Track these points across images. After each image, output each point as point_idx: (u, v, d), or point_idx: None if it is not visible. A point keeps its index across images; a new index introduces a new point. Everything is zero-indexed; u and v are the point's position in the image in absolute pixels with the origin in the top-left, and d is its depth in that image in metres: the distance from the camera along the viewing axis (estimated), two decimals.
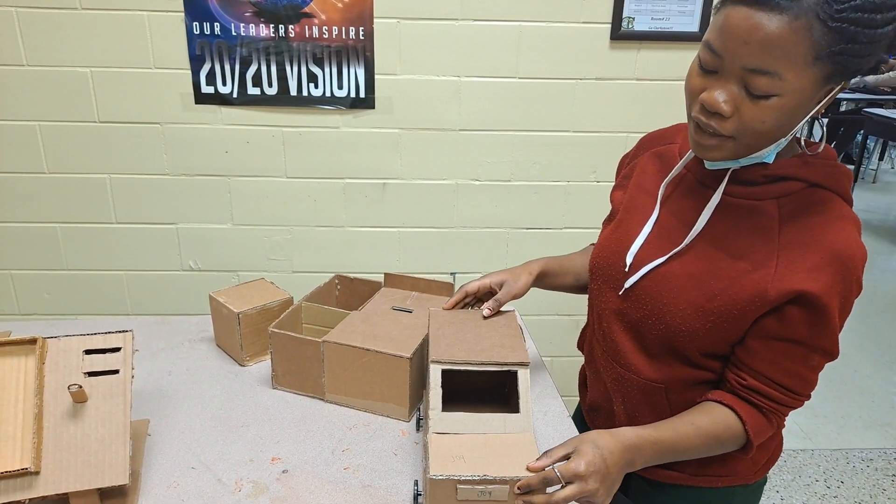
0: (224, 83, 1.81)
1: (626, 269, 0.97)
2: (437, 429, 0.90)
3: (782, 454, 2.51)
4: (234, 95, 1.82)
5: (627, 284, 0.97)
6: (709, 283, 0.89)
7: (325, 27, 1.77)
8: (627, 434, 0.87)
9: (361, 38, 1.78)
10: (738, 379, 0.91)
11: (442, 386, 0.93)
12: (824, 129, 0.91)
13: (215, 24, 1.75)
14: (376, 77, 1.83)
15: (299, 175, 1.93)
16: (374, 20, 1.77)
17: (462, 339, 1.00)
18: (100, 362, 0.91)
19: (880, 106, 5.67)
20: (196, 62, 1.79)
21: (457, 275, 2.04)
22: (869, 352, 3.35)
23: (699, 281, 0.90)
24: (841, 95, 5.55)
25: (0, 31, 1.73)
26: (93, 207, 1.93)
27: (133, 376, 0.92)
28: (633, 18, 1.80)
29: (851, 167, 5.84)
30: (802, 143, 0.91)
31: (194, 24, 1.75)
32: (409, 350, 1.09)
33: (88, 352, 0.91)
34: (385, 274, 1.36)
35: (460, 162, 1.93)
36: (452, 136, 1.90)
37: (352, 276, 1.39)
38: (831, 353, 0.89)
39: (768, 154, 0.84)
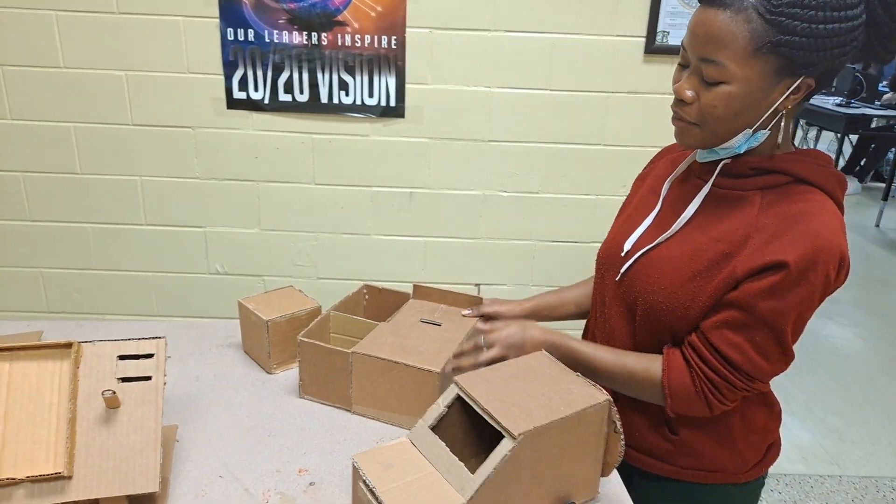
0: (256, 89, 1.82)
1: (623, 255, 1.05)
2: (411, 436, 0.90)
3: (809, 479, 2.47)
4: (266, 101, 1.83)
5: (623, 269, 1.05)
6: (689, 265, 0.95)
7: (357, 35, 1.77)
8: (554, 334, 1.05)
9: (394, 46, 1.79)
10: (688, 336, 0.97)
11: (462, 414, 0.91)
12: (802, 128, 1.03)
13: (249, 30, 1.76)
14: (407, 86, 1.83)
15: (327, 182, 1.93)
16: (407, 29, 1.77)
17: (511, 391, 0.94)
18: (133, 368, 0.91)
19: None
20: (229, 68, 1.80)
21: (481, 286, 2.03)
22: None
23: (681, 263, 0.96)
24: (872, 112, 5.46)
25: (39, 34, 1.76)
26: (123, 209, 1.94)
27: (165, 383, 0.92)
28: (668, 33, 1.78)
29: (882, 185, 5.73)
30: (793, 145, 0.97)
31: (229, 29, 1.76)
32: (439, 364, 1.08)
33: (122, 357, 0.91)
34: (414, 285, 1.35)
35: (488, 172, 1.92)
36: (481, 146, 1.90)
37: (380, 286, 1.38)
38: (779, 335, 0.89)
39: (738, 145, 0.91)
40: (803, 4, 0.79)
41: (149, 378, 0.91)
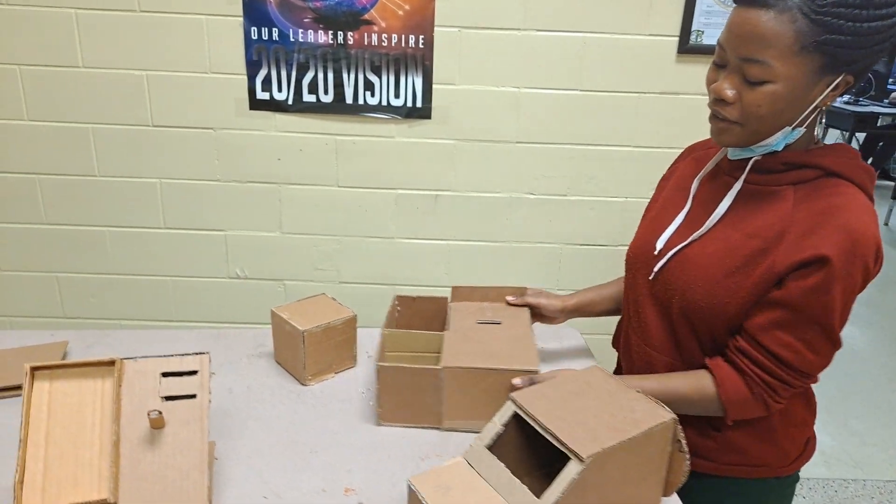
0: (280, 89, 1.78)
1: (656, 254, 1.05)
2: (467, 456, 0.86)
3: (832, 484, 2.43)
4: (290, 102, 1.79)
5: (656, 268, 1.05)
6: (725, 262, 0.96)
7: (384, 35, 1.73)
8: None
9: (421, 46, 1.74)
10: (733, 341, 0.97)
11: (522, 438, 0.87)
12: (825, 128, 0.99)
13: (273, 29, 1.72)
14: (434, 86, 1.78)
15: (351, 185, 1.89)
16: (435, 28, 1.73)
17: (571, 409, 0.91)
18: (176, 386, 0.87)
19: None
20: (252, 67, 1.76)
21: None
22: None
23: (717, 259, 0.97)
24: (881, 110, 5.40)
25: (59, 33, 1.71)
26: (142, 212, 1.90)
27: (210, 401, 0.88)
28: (703, 32, 1.74)
29: (891, 183, 5.69)
30: (822, 141, 0.98)
31: (252, 28, 1.72)
32: (533, 362, 1.06)
33: (165, 374, 0.87)
34: (453, 288, 1.31)
35: (516, 175, 1.88)
36: (509, 147, 1.85)
37: (413, 295, 1.34)
38: (828, 331, 0.90)
39: (777, 142, 0.92)
40: (848, 4, 0.81)
41: (193, 396, 0.87)
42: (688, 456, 0.89)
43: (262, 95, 1.78)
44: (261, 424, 1.11)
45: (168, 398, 0.86)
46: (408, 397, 1.10)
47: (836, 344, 0.93)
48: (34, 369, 0.83)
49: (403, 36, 1.73)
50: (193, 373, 0.89)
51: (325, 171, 1.87)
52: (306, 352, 1.21)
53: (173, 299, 2.00)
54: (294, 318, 1.24)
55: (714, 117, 0.94)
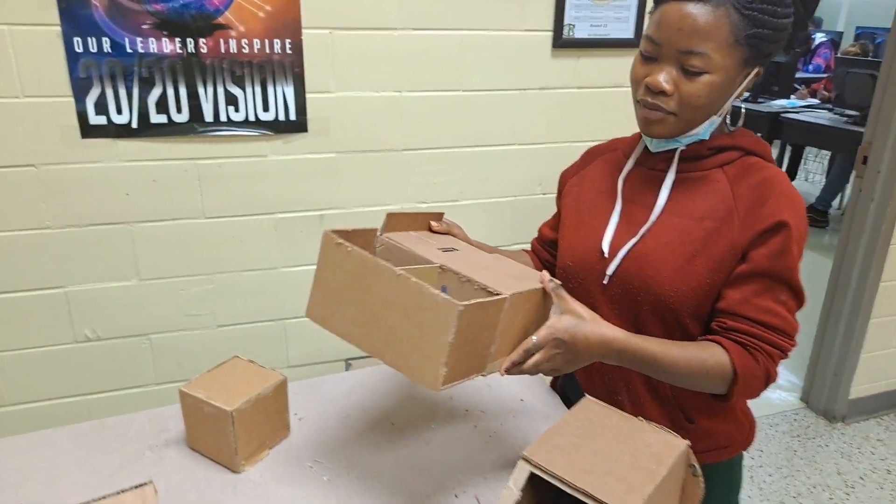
0: (119, 111, 1.47)
1: (605, 257, 1.04)
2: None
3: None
4: (134, 126, 1.49)
5: (609, 271, 1.03)
6: (684, 247, 0.98)
7: (244, 40, 1.50)
8: (614, 332, 0.90)
9: (289, 51, 1.54)
10: (719, 324, 0.97)
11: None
12: (743, 111, 1.03)
13: (104, 38, 1.41)
14: (308, 96, 1.59)
15: (221, 214, 1.63)
16: (303, 31, 1.54)
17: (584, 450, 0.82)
18: None
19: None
20: (80, 87, 1.43)
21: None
22: None
23: (675, 247, 0.98)
24: (793, 106, 4.90)
25: None
26: None
27: None
28: (574, 26, 1.74)
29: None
30: (728, 123, 1.04)
31: (75, 39, 1.39)
32: (547, 276, 0.94)
33: None
34: (388, 214, 1.07)
35: (405, 184, 1.76)
36: (395, 156, 1.73)
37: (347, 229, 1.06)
38: (795, 288, 0.96)
39: (703, 131, 0.98)
40: (769, 1, 0.89)
41: None
42: (702, 480, 0.86)
43: (96, 120, 1.46)
44: None
45: None
46: (472, 338, 0.85)
47: (802, 300, 0.98)
48: None
49: (267, 41, 1.51)
50: None
51: (186, 203, 1.60)
52: (237, 434, 1.00)
53: (11, 378, 1.60)
54: (212, 395, 1.01)
55: (647, 107, 0.96)
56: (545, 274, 0.97)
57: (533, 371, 0.89)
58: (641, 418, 0.90)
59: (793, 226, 0.93)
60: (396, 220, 1.08)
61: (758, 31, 0.90)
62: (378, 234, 1.05)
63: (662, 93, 0.93)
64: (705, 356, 0.94)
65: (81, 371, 1.65)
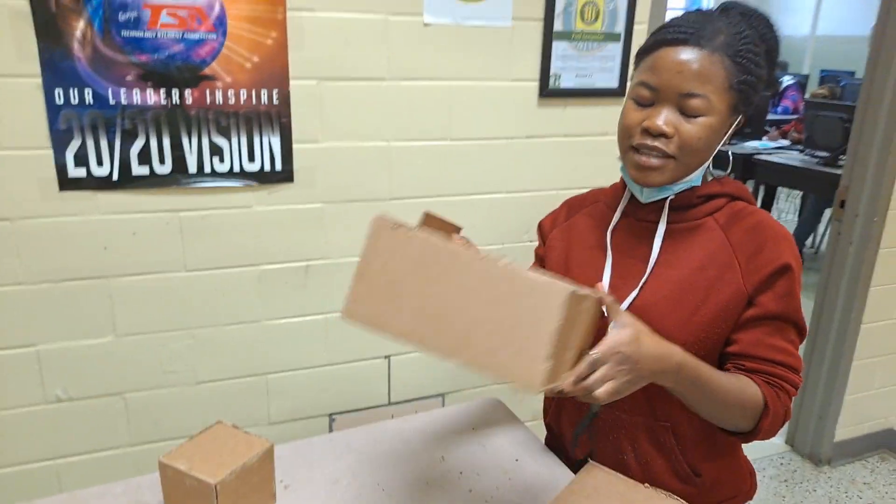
0: (100, 163, 1.43)
1: (605, 315, 0.94)
2: None
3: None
4: (115, 178, 1.45)
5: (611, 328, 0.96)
6: (687, 299, 0.96)
7: (231, 91, 1.48)
8: (673, 346, 0.87)
9: (276, 102, 1.52)
10: (737, 366, 0.97)
11: None
12: (731, 156, 1.04)
13: (86, 90, 1.37)
14: (294, 146, 1.57)
15: (203, 267, 1.58)
16: (291, 81, 1.52)
17: None
18: None
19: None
20: (60, 139, 1.39)
21: (391, 357, 1.83)
22: None
23: (676, 300, 0.97)
24: (764, 148, 4.93)
25: None
26: None
27: None
28: (560, 76, 1.75)
29: None
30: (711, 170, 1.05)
31: (56, 91, 1.36)
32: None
33: None
34: (425, 212, 0.99)
35: None
36: (383, 206, 1.70)
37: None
38: (801, 327, 0.98)
39: (696, 177, 0.98)
40: (754, 52, 0.93)
41: None
42: None
43: (75, 173, 1.42)
44: None
45: None
46: (566, 334, 0.76)
47: (805, 336, 0.99)
48: None
49: (254, 91, 1.49)
50: None
51: (167, 255, 1.55)
52: None
53: None
54: (195, 466, 0.96)
55: (642, 156, 0.94)
56: (601, 285, 0.93)
57: (598, 386, 0.78)
58: (647, 485, 0.88)
59: (794, 267, 0.95)
60: (431, 220, 0.99)
61: (747, 78, 0.93)
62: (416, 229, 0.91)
63: (662, 135, 0.93)
64: (743, 386, 0.94)
65: (52, 434, 1.56)
